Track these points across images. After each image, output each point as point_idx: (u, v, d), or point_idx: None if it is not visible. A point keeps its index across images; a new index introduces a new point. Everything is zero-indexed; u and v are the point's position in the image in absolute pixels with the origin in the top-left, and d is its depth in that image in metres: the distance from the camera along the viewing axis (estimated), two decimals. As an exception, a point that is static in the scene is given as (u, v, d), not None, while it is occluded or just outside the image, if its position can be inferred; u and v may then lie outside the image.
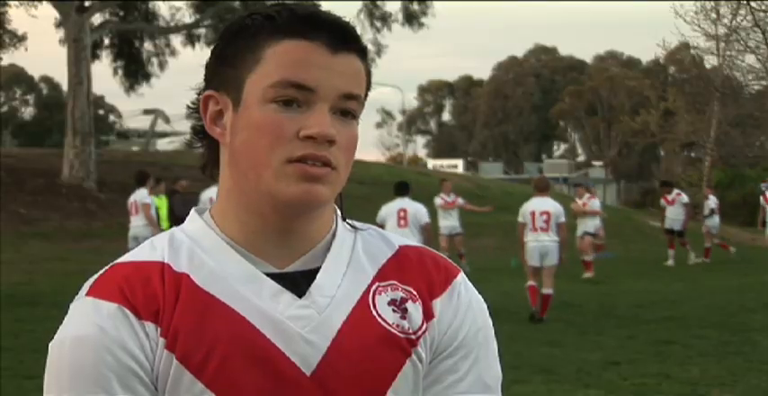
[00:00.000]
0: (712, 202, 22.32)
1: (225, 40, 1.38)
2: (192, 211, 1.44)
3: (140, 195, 14.68)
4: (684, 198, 20.86)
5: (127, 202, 15.25)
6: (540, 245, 11.95)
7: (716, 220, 22.13)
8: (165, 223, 15.13)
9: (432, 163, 67.27)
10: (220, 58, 1.38)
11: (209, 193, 13.62)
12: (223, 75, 1.37)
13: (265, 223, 1.36)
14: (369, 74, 1.39)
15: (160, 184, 15.83)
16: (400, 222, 12.43)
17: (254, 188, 1.34)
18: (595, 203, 18.33)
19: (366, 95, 1.39)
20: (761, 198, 19.38)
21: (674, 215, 20.48)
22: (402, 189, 12.83)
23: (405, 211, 12.60)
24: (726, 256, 22.08)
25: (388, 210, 12.64)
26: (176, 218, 14.68)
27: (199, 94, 1.41)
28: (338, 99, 1.33)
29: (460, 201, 18.85)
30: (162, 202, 15.59)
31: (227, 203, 1.39)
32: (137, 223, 14.58)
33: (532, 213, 12.04)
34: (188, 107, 1.43)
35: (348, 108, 1.35)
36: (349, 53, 1.35)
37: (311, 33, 1.33)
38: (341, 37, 1.34)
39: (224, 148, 1.39)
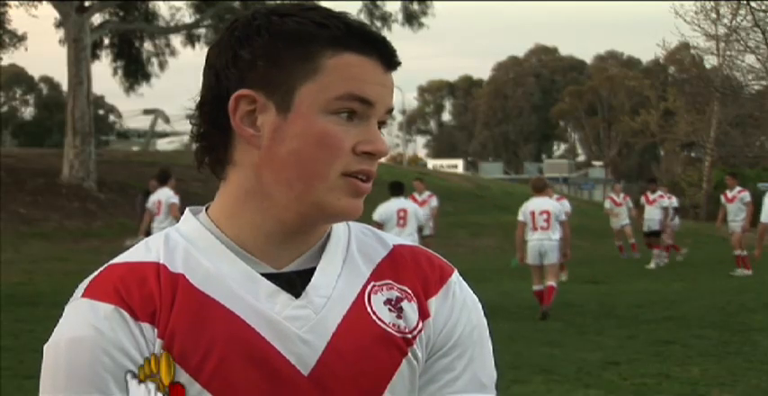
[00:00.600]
0: (675, 202, 22.66)
1: (266, 40, 1.33)
2: (187, 211, 1.43)
3: (166, 195, 14.24)
4: (665, 202, 20.94)
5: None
6: (540, 244, 12.11)
7: (676, 220, 22.53)
8: None
9: (432, 163, 67.37)
10: (263, 58, 1.33)
11: None
12: (266, 76, 1.33)
13: (280, 228, 1.36)
14: None
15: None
16: (399, 222, 12.40)
17: (297, 197, 1.33)
18: (565, 205, 17.72)
19: None
20: (722, 197, 19.37)
21: (652, 216, 20.59)
22: (398, 189, 12.79)
23: (405, 211, 12.55)
24: (725, 256, 22.05)
25: (388, 210, 12.48)
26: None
27: (211, 88, 1.35)
28: (384, 114, 1.37)
29: (434, 203, 18.49)
30: None
31: (239, 204, 1.37)
32: (161, 225, 13.92)
33: (532, 213, 12.16)
34: (198, 102, 1.38)
35: (386, 121, 1.39)
36: (392, 70, 1.38)
37: (366, 48, 1.34)
38: (390, 54, 1.37)
39: (250, 150, 1.34)
